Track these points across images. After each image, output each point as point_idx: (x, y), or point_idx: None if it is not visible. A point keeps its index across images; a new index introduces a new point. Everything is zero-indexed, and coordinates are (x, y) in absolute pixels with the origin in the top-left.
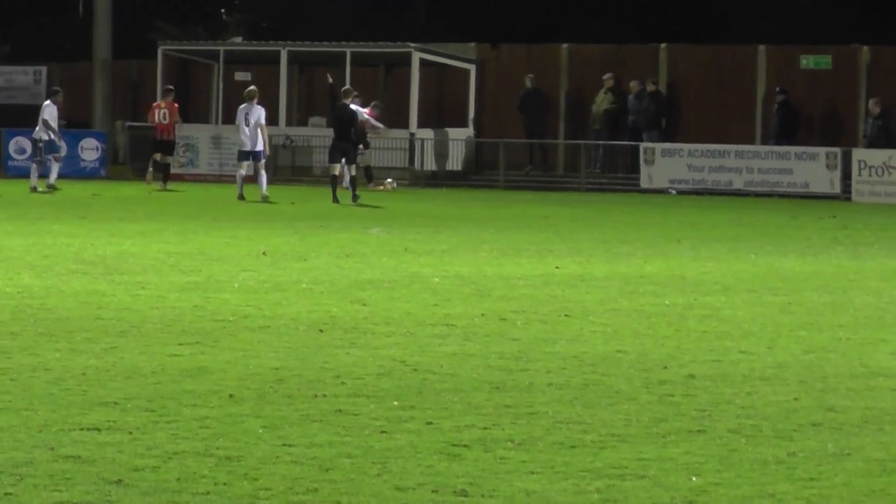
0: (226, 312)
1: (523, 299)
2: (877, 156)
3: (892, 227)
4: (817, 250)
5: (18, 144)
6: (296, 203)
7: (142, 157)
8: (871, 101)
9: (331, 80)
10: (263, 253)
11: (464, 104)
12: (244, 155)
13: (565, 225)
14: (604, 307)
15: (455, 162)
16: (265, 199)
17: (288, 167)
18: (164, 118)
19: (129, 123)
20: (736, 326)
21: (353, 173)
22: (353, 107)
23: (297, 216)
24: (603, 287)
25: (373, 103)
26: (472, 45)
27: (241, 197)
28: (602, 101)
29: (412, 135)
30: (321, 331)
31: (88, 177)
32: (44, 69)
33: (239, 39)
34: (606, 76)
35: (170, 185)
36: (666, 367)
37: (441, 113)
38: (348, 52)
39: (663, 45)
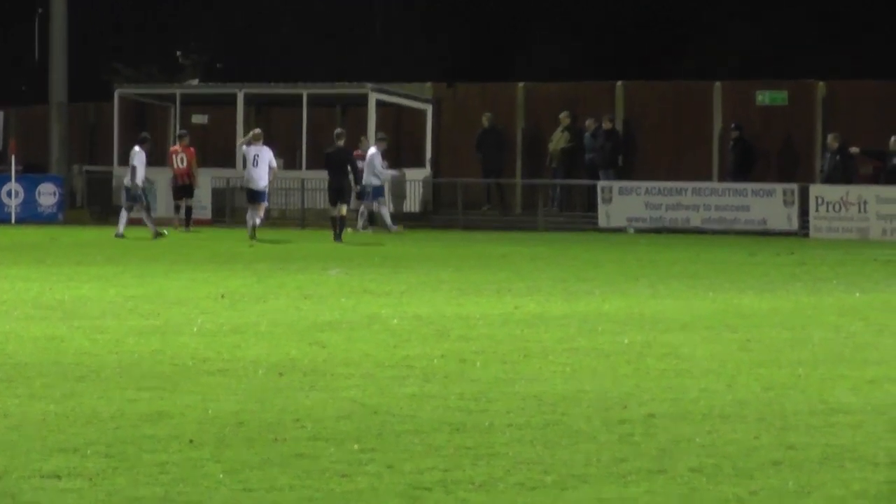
0: (185, 356)
1: (482, 339)
2: (834, 191)
3: (849, 263)
4: (775, 287)
5: None
6: (254, 245)
7: (99, 201)
8: (829, 136)
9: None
10: (222, 296)
11: (421, 144)
12: (256, 195)
13: (524, 264)
14: (563, 346)
15: (413, 202)
16: (253, 235)
17: (245, 209)
18: (182, 162)
19: (86, 167)
20: (695, 364)
21: (343, 213)
22: (371, 150)
23: (255, 258)
24: (562, 326)
25: (378, 136)
26: (428, 84)
27: (254, 236)
28: (559, 140)
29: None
30: (280, 374)
31: (46, 221)
32: (1, 114)
33: (195, 81)
34: (563, 114)
35: (192, 229)
36: (626, 407)
37: (398, 152)
38: (305, 93)
39: (619, 83)
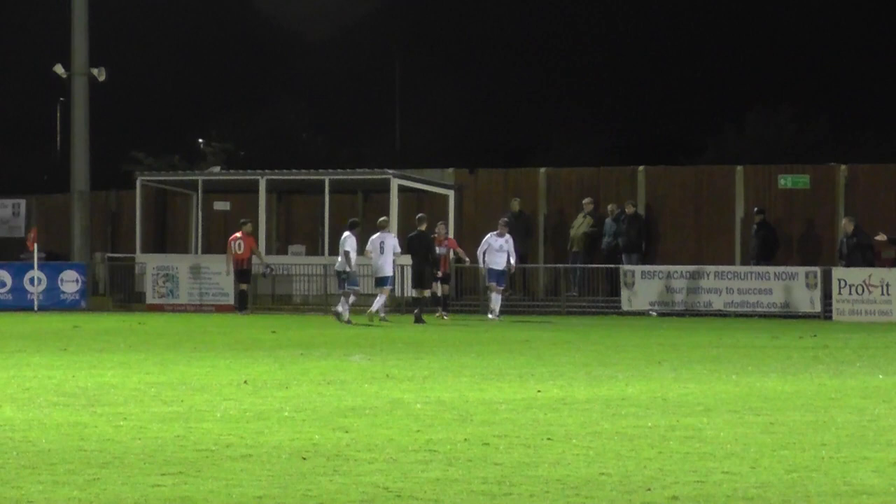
0: (208, 442)
1: (505, 423)
2: (856, 274)
3: (872, 346)
4: (798, 369)
5: None
6: (276, 331)
7: (122, 288)
8: (844, 220)
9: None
10: (245, 382)
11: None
12: (383, 280)
13: (546, 348)
14: (586, 430)
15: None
16: (372, 317)
17: (268, 296)
18: (240, 248)
19: (108, 255)
20: (718, 447)
21: (424, 296)
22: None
23: (278, 344)
24: (585, 410)
25: (439, 224)
26: (450, 170)
27: (349, 321)
28: (581, 225)
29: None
30: (304, 458)
31: (69, 308)
32: (22, 202)
33: (217, 169)
34: (586, 200)
35: (247, 312)
36: (649, 489)
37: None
38: (327, 179)
39: (641, 168)
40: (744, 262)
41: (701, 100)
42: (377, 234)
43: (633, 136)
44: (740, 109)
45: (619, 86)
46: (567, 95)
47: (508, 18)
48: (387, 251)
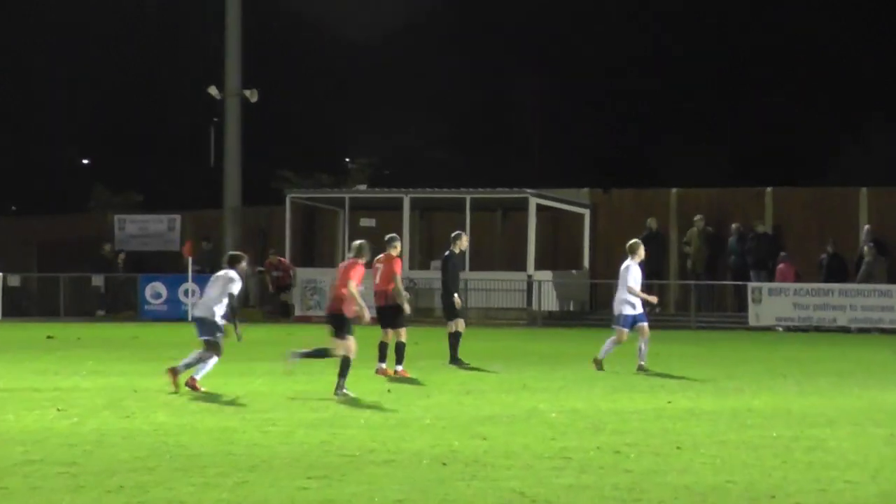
0: (352, 447)
1: (636, 433)
2: None
3: None
4: None
5: (154, 290)
6: (419, 343)
7: (271, 301)
8: None
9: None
10: (388, 391)
11: (578, 246)
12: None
13: (676, 362)
14: (713, 439)
15: (570, 302)
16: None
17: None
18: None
19: (258, 268)
20: (840, 457)
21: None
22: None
23: (419, 356)
24: (712, 420)
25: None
26: (585, 190)
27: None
28: (695, 242)
29: (530, 276)
30: (443, 464)
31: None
32: (178, 217)
33: (363, 187)
34: (697, 217)
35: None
36: (773, 497)
37: (556, 255)
38: (468, 197)
39: (769, 189)
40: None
41: (827, 118)
42: (632, 260)
43: (760, 157)
44: (867, 128)
45: (746, 107)
46: (694, 115)
47: (640, 41)
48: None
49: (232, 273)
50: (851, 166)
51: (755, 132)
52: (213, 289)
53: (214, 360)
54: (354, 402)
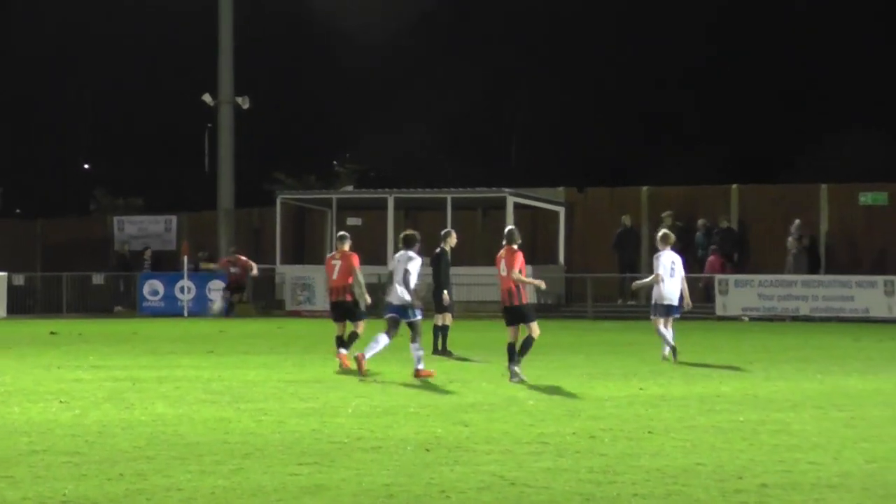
0: (341, 435)
1: (610, 418)
2: None
3: None
4: (878, 369)
5: (151, 287)
6: (403, 336)
7: (263, 296)
8: None
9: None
10: (375, 381)
11: (554, 242)
12: (671, 309)
13: (648, 351)
14: (683, 424)
15: (546, 295)
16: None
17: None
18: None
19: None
20: (804, 439)
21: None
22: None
23: (405, 347)
24: (682, 406)
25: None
26: (561, 189)
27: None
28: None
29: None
30: (427, 450)
31: (215, 315)
32: (174, 218)
33: (350, 188)
34: (665, 213)
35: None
36: (741, 478)
37: (534, 251)
38: (449, 197)
39: (734, 186)
40: (826, 272)
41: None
42: (663, 251)
43: (728, 156)
44: (831, 130)
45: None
46: (666, 118)
47: (615, 44)
48: (677, 274)
49: (410, 252)
50: (812, 165)
51: (724, 133)
52: (397, 274)
53: (385, 341)
54: (349, 389)
